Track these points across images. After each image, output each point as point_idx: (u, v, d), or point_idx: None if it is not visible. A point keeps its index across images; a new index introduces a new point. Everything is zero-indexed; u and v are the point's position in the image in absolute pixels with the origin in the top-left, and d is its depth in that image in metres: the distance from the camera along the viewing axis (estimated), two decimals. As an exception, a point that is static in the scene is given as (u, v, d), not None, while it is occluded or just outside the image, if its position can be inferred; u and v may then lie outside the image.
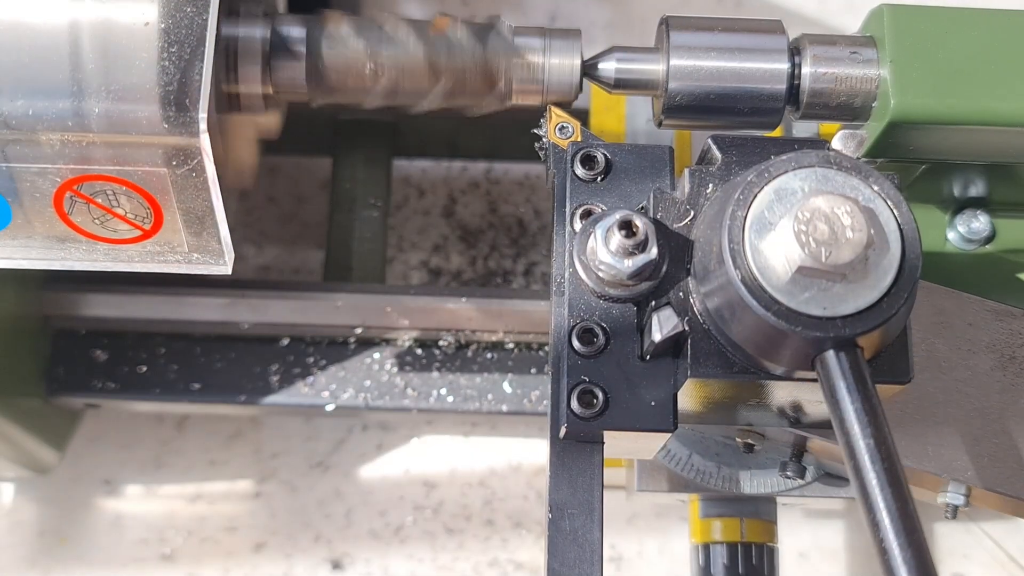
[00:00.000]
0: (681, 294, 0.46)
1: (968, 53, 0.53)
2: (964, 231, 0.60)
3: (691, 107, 0.55)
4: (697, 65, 0.54)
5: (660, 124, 0.56)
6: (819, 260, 0.40)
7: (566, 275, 0.48)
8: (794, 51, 0.54)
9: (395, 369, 0.72)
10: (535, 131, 0.53)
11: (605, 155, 0.50)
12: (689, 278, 0.46)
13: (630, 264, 0.45)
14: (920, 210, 0.61)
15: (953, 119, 0.52)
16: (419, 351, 0.72)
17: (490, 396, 0.72)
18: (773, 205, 0.42)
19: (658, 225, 0.46)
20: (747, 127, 0.56)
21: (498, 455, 0.80)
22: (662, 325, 0.45)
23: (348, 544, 0.78)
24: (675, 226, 0.47)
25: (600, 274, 0.46)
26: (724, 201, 0.43)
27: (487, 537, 0.78)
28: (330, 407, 0.72)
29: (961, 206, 0.61)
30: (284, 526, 0.78)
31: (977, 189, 0.60)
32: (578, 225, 0.49)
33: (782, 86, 0.54)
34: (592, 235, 0.46)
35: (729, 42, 0.54)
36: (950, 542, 0.79)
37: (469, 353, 0.72)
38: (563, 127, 0.53)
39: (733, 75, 0.54)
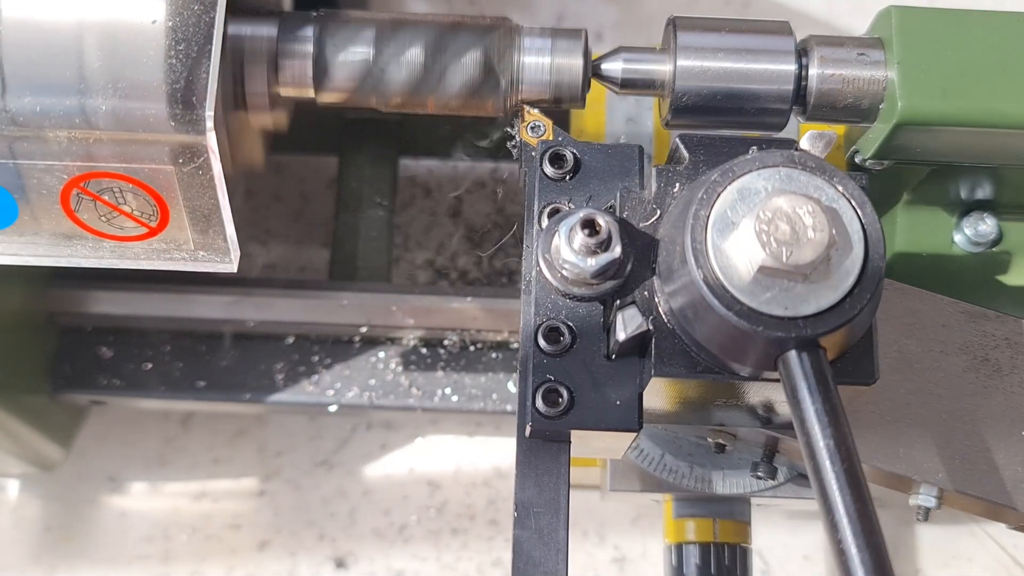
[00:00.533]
0: (646, 293, 0.46)
1: (976, 55, 0.52)
2: (971, 234, 0.60)
3: (698, 108, 0.55)
4: (704, 66, 0.54)
5: (667, 125, 0.56)
6: (780, 260, 0.40)
7: (533, 274, 0.47)
8: (801, 52, 0.54)
9: (400, 368, 0.72)
10: (507, 130, 0.53)
11: (574, 154, 0.50)
12: (654, 277, 0.46)
13: (593, 263, 0.45)
14: (927, 212, 0.61)
15: (960, 121, 0.52)
16: (424, 350, 0.72)
17: (495, 396, 0.72)
18: (736, 205, 0.42)
19: (623, 224, 0.46)
20: (754, 128, 0.56)
21: (502, 455, 0.80)
22: (626, 324, 0.45)
23: (352, 543, 0.78)
24: (641, 225, 0.47)
25: (564, 273, 0.46)
26: (688, 200, 0.43)
27: (491, 537, 0.78)
28: (334, 406, 0.72)
29: (968, 208, 0.60)
30: (288, 524, 0.78)
31: (984, 191, 0.60)
32: (545, 224, 0.49)
33: (789, 87, 0.54)
34: (556, 233, 0.46)
35: (736, 43, 0.54)
36: (954, 545, 0.78)
37: (474, 352, 0.72)
38: (535, 126, 0.53)
39: (740, 76, 0.54)
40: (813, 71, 0.54)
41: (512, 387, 0.72)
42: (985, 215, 0.60)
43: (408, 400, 0.72)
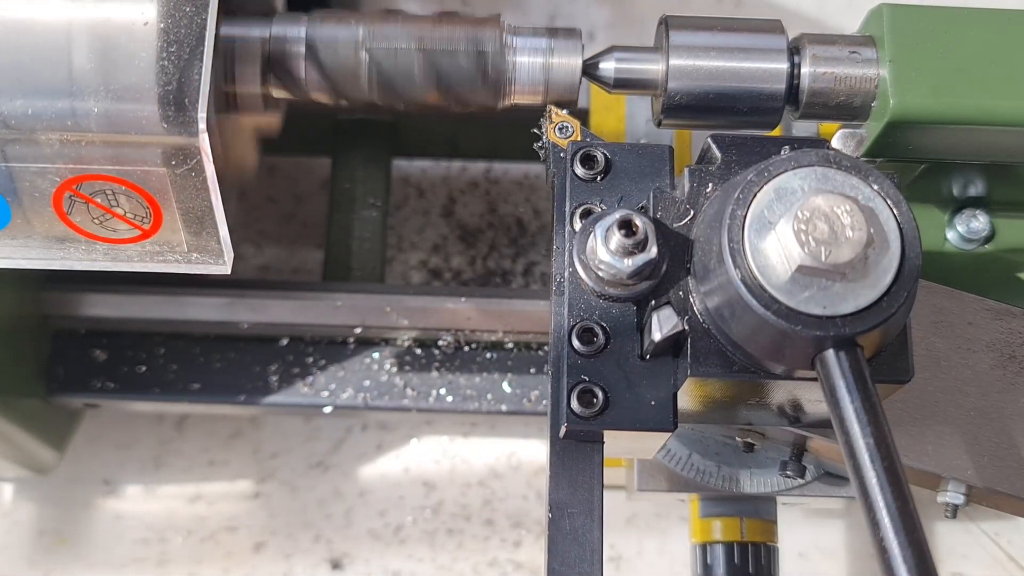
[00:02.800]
0: (681, 293, 0.46)
1: (967, 53, 0.53)
2: (963, 231, 0.60)
3: (690, 107, 0.55)
4: (696, 65, 0.54)
5: (659, 124, 0.57)
6: (819, 259, 0.40)
7: (566, 275, 0.48)
8: (793, 51, 0.54)
9: (394, 369, 0.72)
10: (535, 131, 0.53)
11: (605, 154, 0.50)
12: (689, 277, 0.46)
13: (630, 263, 0.45)
14: (919, 210, 0.60)
15: (952, 119, 0.52)
16: (418, 351, 0.72)
17: (489, 396, 0.72)
18: (773, 204, 0.42)
19: (658, 224, 0.46)
20: (746, 127, 0.56)
21: (498, 455, 0.80)
22: (662, 324, 0.45)
23: (348, 544, 0.78)
24: (675, 225, 0.47)
25: (600, 273, 0.46)
26: (724, 200, 0.43)
27: (487, 537, 0.78)
28: (329, 407, 0.72)
29: (960, 206, 0.61)
30: (284, 526, 0.78)
31: (976, 189, 0.60)
32: (578, 224, 0.49)
33: (781, 86, 0.54)
34: (592, 234, 0.46)
35: (728, 42, 0.54)
36: (949, 541, 0.79)
37: (468, 353, 0.72)
38: (563, 127, 0.53)
39: (732, 75, 0.54)
40: (805, 69, 0.54)
41: (507, 387, 0.72)
42: (977, 212, 0.60)
43: (403, 401, 0.72)
